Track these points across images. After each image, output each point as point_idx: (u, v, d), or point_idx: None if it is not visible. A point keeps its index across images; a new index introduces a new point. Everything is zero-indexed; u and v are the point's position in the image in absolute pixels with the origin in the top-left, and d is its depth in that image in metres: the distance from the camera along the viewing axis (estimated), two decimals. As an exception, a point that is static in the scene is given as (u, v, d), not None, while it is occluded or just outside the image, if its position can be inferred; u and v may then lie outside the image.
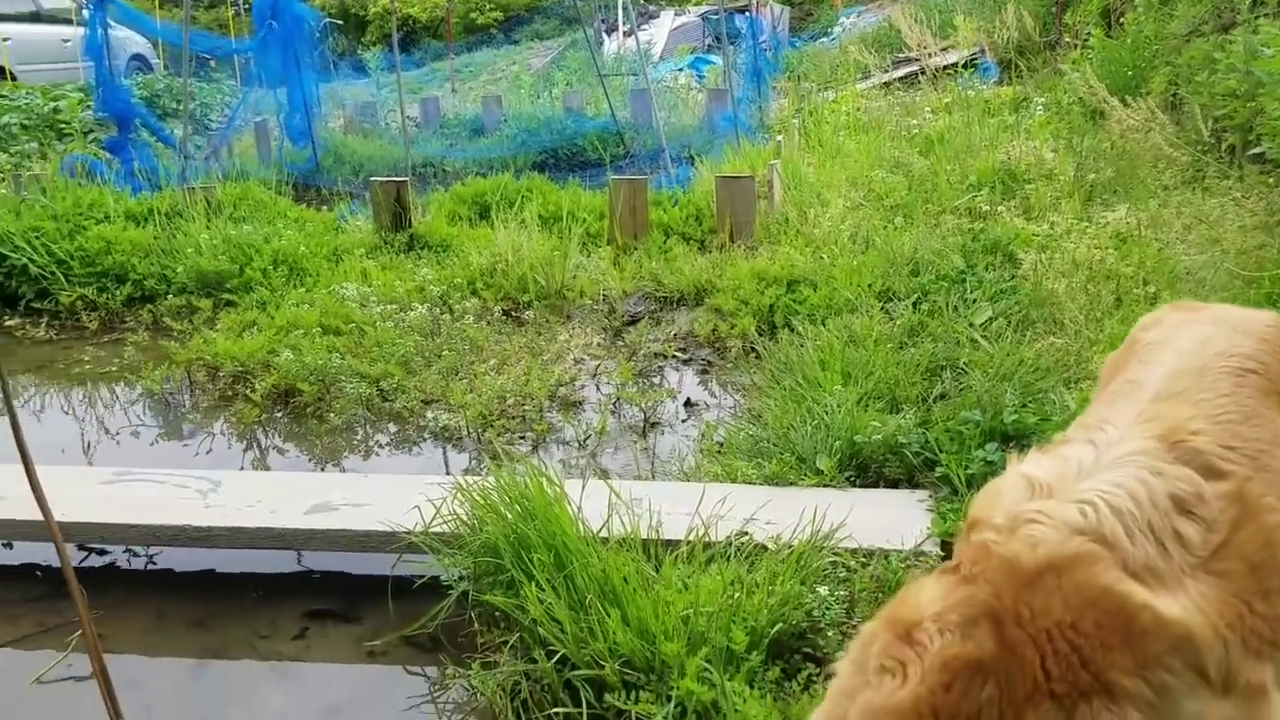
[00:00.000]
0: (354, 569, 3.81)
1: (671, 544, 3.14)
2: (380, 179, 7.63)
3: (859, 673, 1.60)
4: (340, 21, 22.13)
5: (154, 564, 3.94)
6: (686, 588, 2.79)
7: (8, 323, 7.10)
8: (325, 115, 11.55)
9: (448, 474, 4.39)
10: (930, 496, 3.67)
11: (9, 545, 4.07)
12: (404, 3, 24.78)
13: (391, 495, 3.81)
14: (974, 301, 5.30)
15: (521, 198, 8.01)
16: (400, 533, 3.40)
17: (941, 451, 3.79)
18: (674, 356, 5.75)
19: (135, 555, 3.97)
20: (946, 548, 3.25)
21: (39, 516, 3.77)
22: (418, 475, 4.28)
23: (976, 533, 1.71)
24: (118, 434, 5.32)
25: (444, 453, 4.93)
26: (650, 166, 9.71)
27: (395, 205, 7.38)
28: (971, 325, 5.03)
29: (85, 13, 19.41)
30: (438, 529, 3.40)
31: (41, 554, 3.98)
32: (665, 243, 7.24)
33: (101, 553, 3.99)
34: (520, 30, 25.09)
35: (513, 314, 6.43)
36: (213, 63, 14.79)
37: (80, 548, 3.99)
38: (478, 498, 3.29)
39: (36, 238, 7.21)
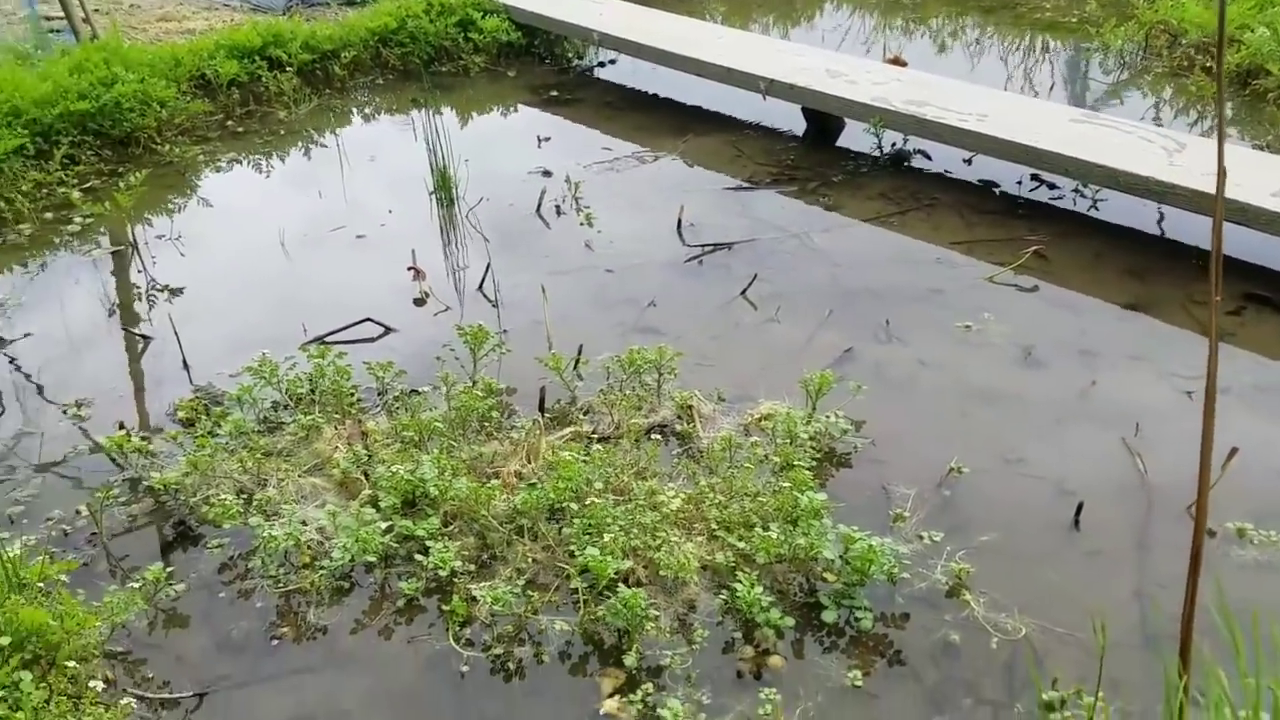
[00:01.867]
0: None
1: None
2: None
3: None
4: None
5: (1096, 208, 4.10)
6: None
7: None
8: None
9: None
10: None
11: (969, 161, 4.54)
12: None
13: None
14: None
15: None
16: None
17: None
18: None
19: (1081, 196, 4.17)
20: None
21: (1011, 137, 4.12)
22: None
23: None
24: (1074, 84, 5.46)
25: None
26: None
27: None
28: None
29: None
30: None
31: (997, 173, 4.40)
32: None
33: (1051, 186, 4.26)
34: None
35: None
36: None
37: (1033, 177, 4.31)
38: None
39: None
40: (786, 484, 2.63)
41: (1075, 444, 2.89)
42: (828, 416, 2.96)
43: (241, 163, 4.90)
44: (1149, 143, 3.91)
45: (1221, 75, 1.59)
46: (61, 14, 5.35)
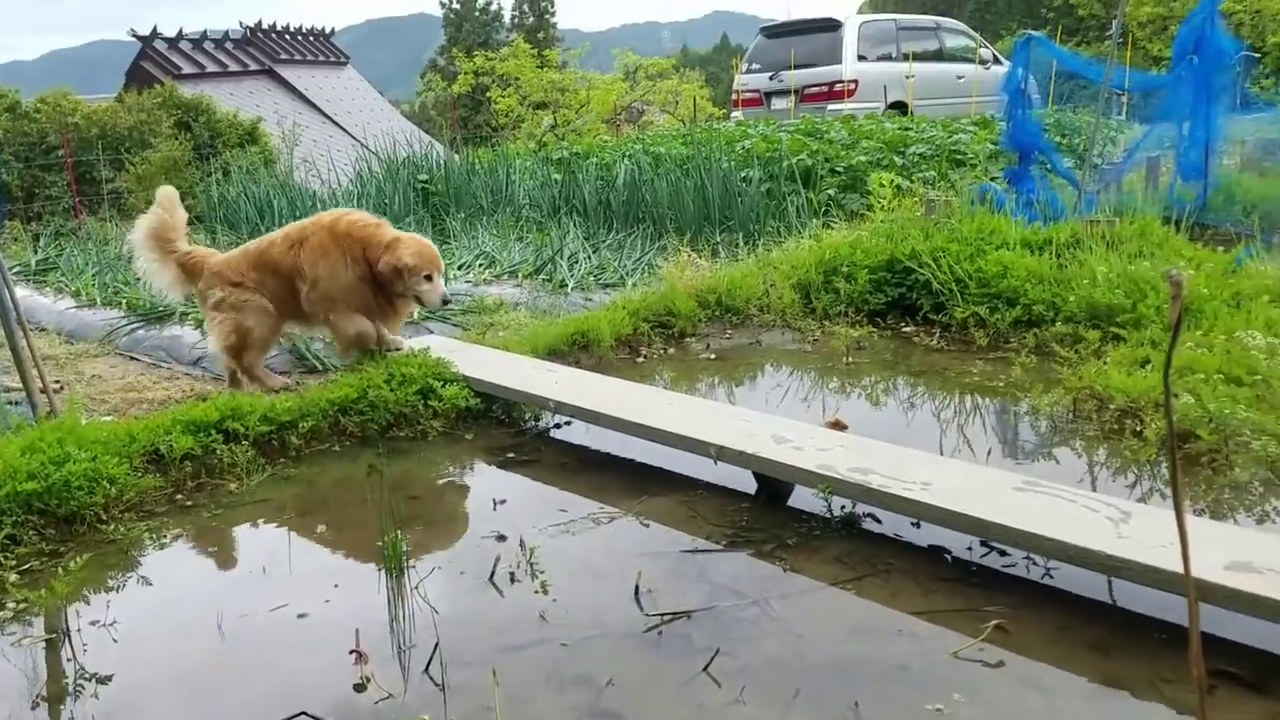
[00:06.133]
0: (1265, 641, 3.53)
1: None
2: (1307, 222, 6.90)
3: None
4: (1259, 56, 20.74)
5: (1051, 577, 4.12)
6: None
7: (904, 329, 8.06)
8: (1220, 152, 10.84)
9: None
10: None
11: (917, 524, 4.60)
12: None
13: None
14: None
15: None
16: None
17: None
18: None
19: (1034, 564, 4.20)
20: None
21: (957, 508, 4.19)
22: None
23: None
24: (1009, 446, 5.68)
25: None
26: None
27: (1320, 251, 6.61)
28: None
29: (984, 51, 21.12)
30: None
31: (947, 538, 4.44)
32: None
33: (1002, 553, 4.30)
34: None
35: None
36: (1124, 99, 14.97)
37: (983, 544, 4.36)
38: None
39: (941, 257, 8.03)
40: None
41: None
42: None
43: (187, 538, 4.80)
44: (1094, 512, 4.00)
45: (1177, 479, 1.64)
46: (20, 386, 5.42)
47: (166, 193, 6.64)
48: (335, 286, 6.34)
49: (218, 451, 5.37)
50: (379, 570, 4.33)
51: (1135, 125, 14.28)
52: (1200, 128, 9.52)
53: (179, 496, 5.17)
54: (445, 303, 6.52)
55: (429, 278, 6.34)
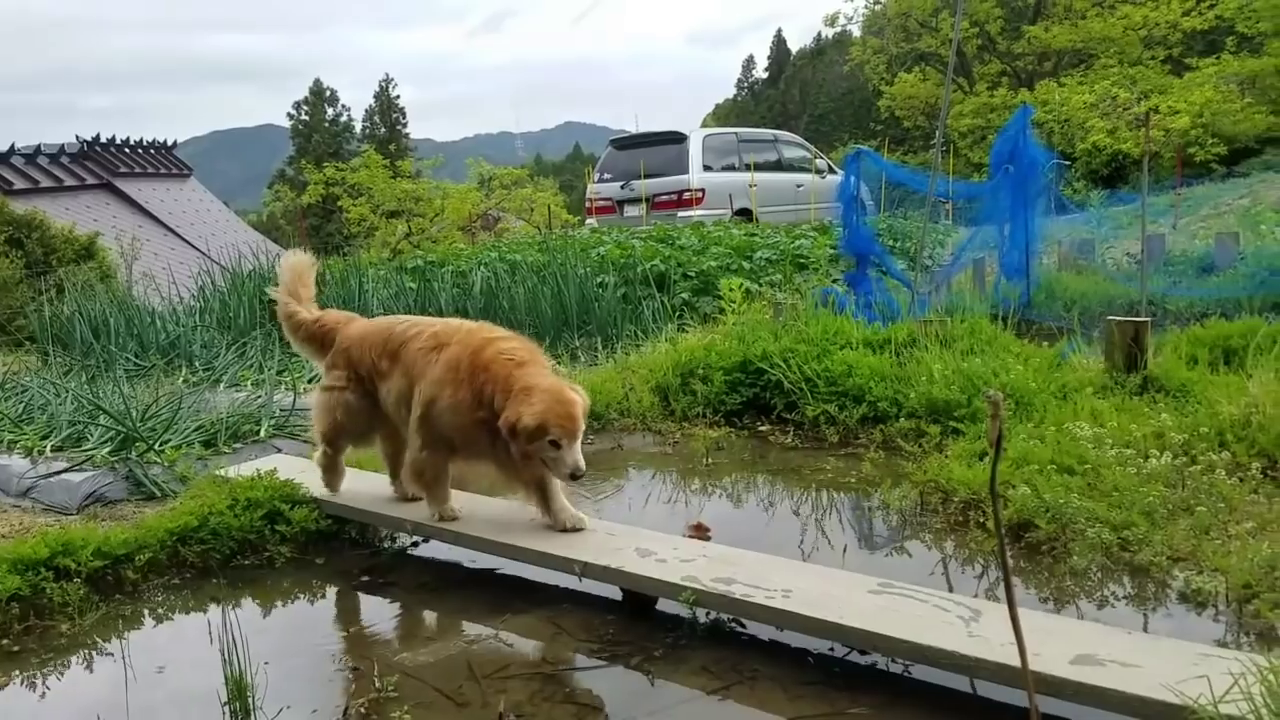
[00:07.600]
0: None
1: None
2: (1118, 318, 7.44)
3: None
4: (1070, 161, 22.70)
5: (910, 673, 4.20)
6: None
7: (760, 428, 8.25)
8: (1040, 252, 11.69)
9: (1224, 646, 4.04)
10: None
11: (780, 629, 4.65)
12: (1115, 139, 24.43)
13: (1160, 660, 3.61)
14: None
15: (1276, 343, 7.23)
16: (1189, 706, 3.20)
17: None
18: None
19: (894, 661, 4.28)
20: None
21: (817, 614, 4.25)
22: (1187, 641, 3.98)
23: None
24: (864, 542, 5.82)
25: (1192, 620, 4.56)
26: None
27: (1131, 346, 7.14)
28: None
29: (820, 161, 22.31)
30: (1228, 710, 3.13)
31: (812, 642, 4.49)
32: None
33: (863, 652, 4.37)
34: (1248, 162, 23.15)
35: (1271, 473, 5.77)
36: (948, 206, 16.07)
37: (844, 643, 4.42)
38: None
39: (790, 358, 8.30)
40: None
41: None
42: None
43: (15, 687, 4.42)
44: (945, 611, 4.11)
45: (1012, 595, 1.71)
46: None
47: (291, 262, 6.28)
48: (449, 422, 5.29)
49: (48, 590, 4.99)
50: (224, 713, 4.07)
51: (961, 229, 15.30)
52: (1020, 230, 10.27)
53: (5, 641, 4.77)
54: (575, 477, 5.02)
55: (555, 444, 4.94)
